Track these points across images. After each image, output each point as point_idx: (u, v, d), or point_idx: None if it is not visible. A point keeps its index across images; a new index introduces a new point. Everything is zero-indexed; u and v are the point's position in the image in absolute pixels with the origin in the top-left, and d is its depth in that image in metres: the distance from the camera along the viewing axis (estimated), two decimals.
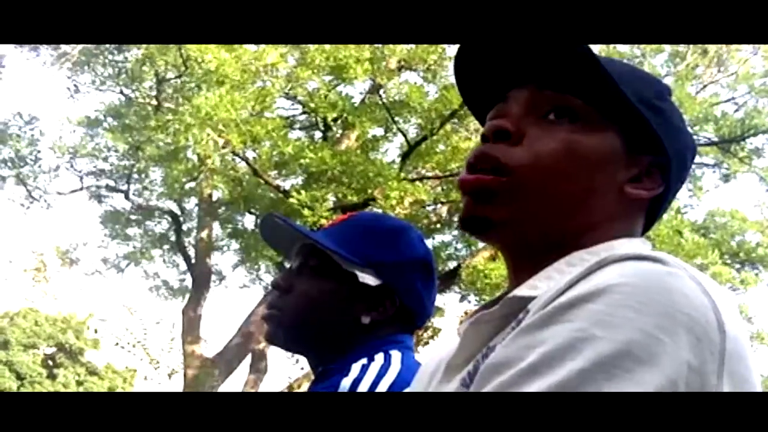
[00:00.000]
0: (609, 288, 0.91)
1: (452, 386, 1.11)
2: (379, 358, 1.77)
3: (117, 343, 17.06)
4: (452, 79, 13.44)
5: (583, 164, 1.11)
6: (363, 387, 1.68)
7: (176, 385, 16.02)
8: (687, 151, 1.21)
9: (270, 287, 1.81)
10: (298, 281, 1.88)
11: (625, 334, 0.86)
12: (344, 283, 1.85)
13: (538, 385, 0.86)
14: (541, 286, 1.07)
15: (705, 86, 16.87)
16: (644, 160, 1.15)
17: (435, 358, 1.27)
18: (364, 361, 1.76)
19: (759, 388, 0.96)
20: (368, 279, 1.83)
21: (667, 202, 1.22)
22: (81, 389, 28.64)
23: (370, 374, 1.71)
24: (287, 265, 1.99)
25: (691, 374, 0.87)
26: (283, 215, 2.08)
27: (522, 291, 1.09)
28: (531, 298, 1.04)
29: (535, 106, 1.15)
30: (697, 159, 18.12)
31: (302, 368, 15.18)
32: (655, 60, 16.78)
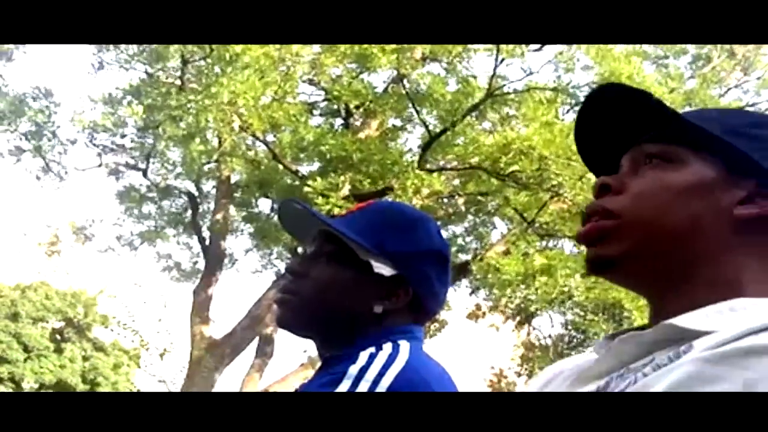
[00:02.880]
0: None
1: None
2: (387, 347, 1.76)
3: (120, 322, 17.08)
4: (474, 71, 13.48)
5: (680, 194, 1.20)
6: (370, 375, 1.68)
7: (182, 366, 16.07)
8: None
9: (284, 272, 1.81)
10: (313, 267, 1.87)
11: None
12: (359, 272, 1.84)
13: None
14: (700, 321, 1.10)
15: (728, 90, 16.81)
16: (749, 182, 1.20)
17: (572, 365, 1.33)
18: (372, 349, 1.75)
19: None
20: (383, 269, 1.83)
21: None
22: (87, 365, 28.80)
23: (377, 363, 1.71)
24: (301, 250, 1.99)
25: None
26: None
27: (680, 321, 1.11)
28: (684, 330, 1.09)
29: (635, 159, 1.27)
30: None
31: (305, 350, 15.24)
32: (679, 62, 16.73)
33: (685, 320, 1.11)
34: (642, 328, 1.21)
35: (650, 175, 1.23)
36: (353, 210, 1.98)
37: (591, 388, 1.14)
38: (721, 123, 1.22)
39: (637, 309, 12.32)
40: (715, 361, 0.96)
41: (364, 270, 1.83)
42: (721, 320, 1.08)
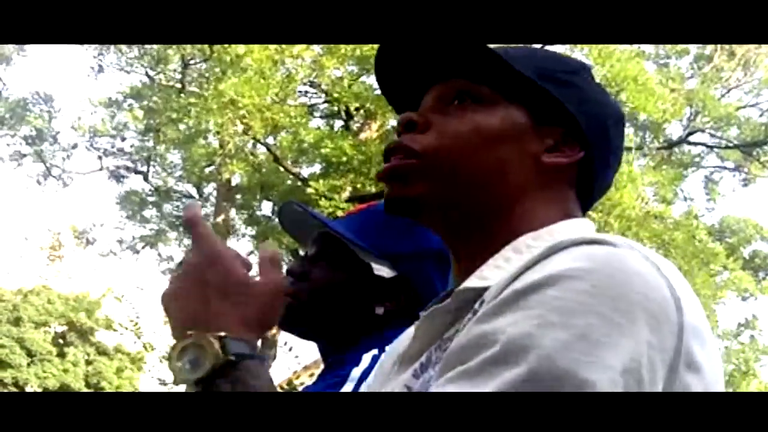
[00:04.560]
0: (563, 274, 0.91)
1: (405, 377, 1.13)
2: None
3: (123, 325, 17.11)
4: None
5: (487, 139, 1.16)
6: None
7: None
8: (607, 119, 1.22)
9: (285, 274, 1.80)
10: (314, 269, 1.87)
11: (582, 319, 0.87)
12: (359, 274, 1.83)
13: (504, 377, 0.86)
14: (491, 275, 1.07)
15: (729, 90, 16.82)
16: (556, 130, 1.18)
17: (394, 351, 1.29)
18: (375, 351, 1.74)
19: (719, 363, 0.98)
20: (383, 270, 1.82)
21: (600, 174, 1.22)
22: (90, 369, 28.81)
23: None
24: (302, 253, 1.98)
25: (652, 352, 0.88)
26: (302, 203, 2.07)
27: (472, 282, 1.09)
28: (483, 289, 1.05)
29: (443, 97, 1.21)
30: (718, 162, 18.23)
31: (297, 358, 15.23)
32: (680, 62, 16.74)
33: (476, 279, 1.09)
34: (448, 295, 1.16)
35: (459, 115, 1.18)
36: (353, 212, 1.98)
37: (415, 366, 1.11)
38: (533, 65, 1.18)
39: None
40: (498, 311, 0.93)
41: (365, 272, 1.82)
42: (507, 267, 1.06)
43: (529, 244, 1.10)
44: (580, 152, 1.18)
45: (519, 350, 0.86)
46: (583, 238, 0.97)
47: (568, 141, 1.18)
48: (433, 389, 0.94)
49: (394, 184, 1.19)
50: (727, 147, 17.16)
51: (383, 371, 1.30)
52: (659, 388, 0.89)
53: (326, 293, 1.84)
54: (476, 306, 1.03)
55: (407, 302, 1.82)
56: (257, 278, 1.16)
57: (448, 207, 1.17)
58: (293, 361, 14.26)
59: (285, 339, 14.92)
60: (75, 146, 16.13)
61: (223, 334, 1.05)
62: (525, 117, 1.17)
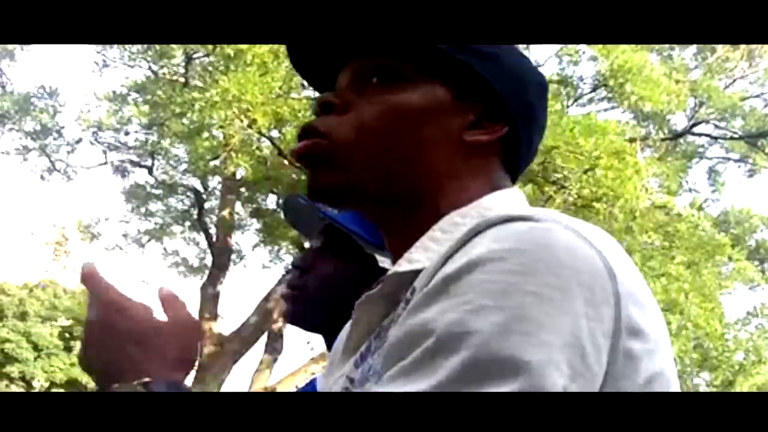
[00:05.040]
0: (489, 256, 0.89)
1: (347, 368, 1.12)
2: None
3: None
4: None
5: (406, 118, 1.12)
6: None
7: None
8: (530, 91, 1.20)
9: (290, 267, 1.81)
10: (319, 262, 1.87)
11: (515, 299, 0.85)
12: (364, 266, 1.83)
13: (444, 367, 0.84)
14: (420, 258, 1.06)
15: (734, 81, 16.77)
16: (478, 106, 1.15)
17: (341, 339, 1.28)
18: None
19: (662, 326, 0.97)
20: (388, 263, 1.82)
21: (525, 144, 1.20)
22: None
23: None
24: (308, 245, 1.99)
25: (591, 324, 0.87)
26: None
27: (402, 267, 1.07)
28: (414, 272, 1.04)
29: (360, 75, 1.17)
30: (723, 153, 18.20)
31: (312, 349, 15.25)
32: (685, 52, 16.70)
33: (405, 263, 1.07)
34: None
35: (376, 95, 1.14)
36: None
37: (356, 356, 1.10)
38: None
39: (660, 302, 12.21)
40: (429, 301, 0.91)
41: (370, 264, 1.82)
42: (436, 247, 1.04)
43: (456, 222, 1.08)
44: (504, 127, 1.16)
45: (455, 339, 0.85)
46: (505, 216, 0.95)
47: (491, 116, 1.16)
48: (375, 388, 0.93)
49: (316, 171, 1.15)
50: (731, 138, 17.12)
51: (331, 360, 1.29)
52: (604, 359, 0.88)
53: (332, 286, 1.85)
54: (408, 294, 1.01)
55: None
56: (167, 319, 1.13)
57: (372, 192, 1.14)
58: (306, 348, 14.24)
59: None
60: (79, 140, 16.12)
61: (147, 380, 1.05)
62: (445, 93, 1.14)
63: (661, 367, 0.94)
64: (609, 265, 0.91)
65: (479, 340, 0.84)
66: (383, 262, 1.81)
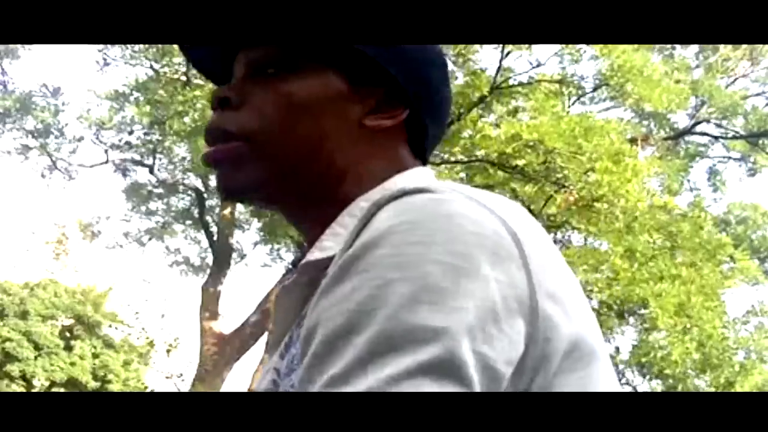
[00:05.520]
0: (389, 229, 0.89)
1: (275, 359, 1.11)
2: None
3: (125, 321, 17.16)
4: (481, 65, 13.45)
5: (305, 110, 1.13)
6: None
7: (191, 361, 16.12)
8: (429, 71, 1.20)
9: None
10: None
11: (420, 269, 0.85)
12: None
13: (355, 346, 0.83)
14: (330, 245, 1.07)
15: (735, 80, 16.78)
16: (376, 91, 1.16)
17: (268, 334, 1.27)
18: None
19: (578, 290, 0.97)
20: None
21: (431, 125, 1.20)
22: (97, 362, 28.86)
23: None
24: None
25: (503, 288, 0.86)
26: None
27: (314, 255, 1.08)
28: (327, 260, 1.03)
29: (253, 66, 1.17)
30: (724, 152, 18.19)
31: None
32: (686, 51, 16.70)
33: (317, 252, 1.08)
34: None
35: (272, 87, 1.14)
36: None
37: (281, 347, 1.10)
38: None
39: (660, 307, 12.13)
40: (336, 281, 0.90)
41: None
42: (344, 233, 1.04)
43: (362, 206, 1.07)
44: (404, 110, 1.16)
45: (364, 315, 0.84)
46: (402, 189, 0.95)
47: (390, 101, 1.16)
48: (294, 377, 0.94)
49: (223, 171, 1.15)
50: (733, 137, 17.12)
51: (262, 357, 1.29)
52: (520, 323, 0.87)
53: None
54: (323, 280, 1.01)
55: None
56: None
57: (279, 187, 1.14)
58: None
59: None
60: (81, 139, 16.14)
61: None
62: (341, 82, 1.15)
63: (583, 333, 0.93)
64: (513, 231, 0.91)
65: (388, 313, 0.83)
66: None
